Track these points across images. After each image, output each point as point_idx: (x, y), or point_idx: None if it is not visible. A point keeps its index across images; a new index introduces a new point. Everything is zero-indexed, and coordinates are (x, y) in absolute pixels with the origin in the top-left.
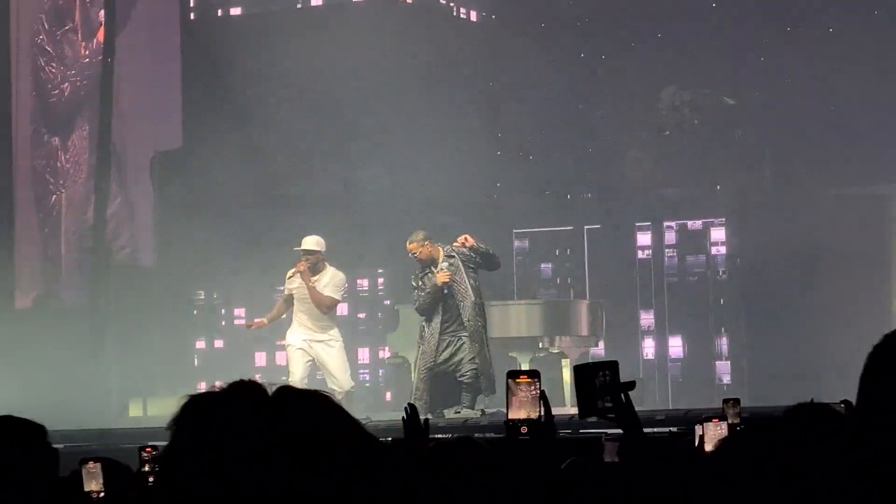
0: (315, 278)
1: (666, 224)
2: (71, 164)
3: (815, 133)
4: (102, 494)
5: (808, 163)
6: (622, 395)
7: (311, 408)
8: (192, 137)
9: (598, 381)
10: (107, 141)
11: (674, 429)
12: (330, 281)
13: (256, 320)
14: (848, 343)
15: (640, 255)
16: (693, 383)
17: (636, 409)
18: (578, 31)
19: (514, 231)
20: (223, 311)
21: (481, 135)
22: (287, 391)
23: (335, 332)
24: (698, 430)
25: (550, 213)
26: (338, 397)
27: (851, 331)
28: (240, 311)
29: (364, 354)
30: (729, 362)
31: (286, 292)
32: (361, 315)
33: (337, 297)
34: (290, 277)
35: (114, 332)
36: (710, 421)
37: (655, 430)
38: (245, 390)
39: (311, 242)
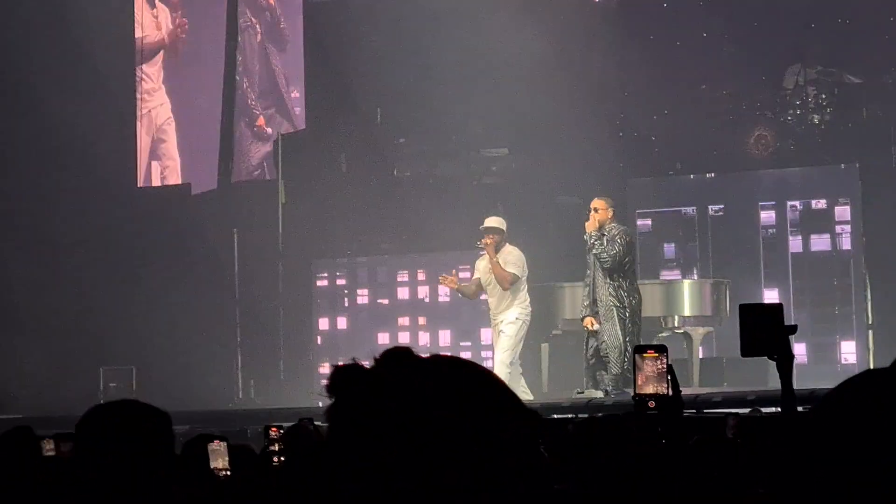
0: (497, 255)
1: (790, 203)
2: (196, 147)
3: None
4: (228, 472)
5: None
6: (785, 338)
7: (459, 374)
8: (314, 119)
9: (768, 323)
10: (229, 125)
11: (800, 409)
12: (509, 257)
13: (451, 278)
14: None
15: (764, 234)
16: (817, 362)
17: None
18: (701, 9)
19: (637, 211)
20: (346, 290)
21: (603, 116)
22: (439, 358)
23: (514, 312)
24: None
25: (673, 193)
26: (499, 369)
27: None
28: (362, 291)
29: (487, 335)
30: (854, 342)
31: (476, 276)
32: (484, 296)
33: (517, 272)
34: (480, 261)
35: (239, 312)
36: None
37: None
38: (396, 356)
39: (494, 220)
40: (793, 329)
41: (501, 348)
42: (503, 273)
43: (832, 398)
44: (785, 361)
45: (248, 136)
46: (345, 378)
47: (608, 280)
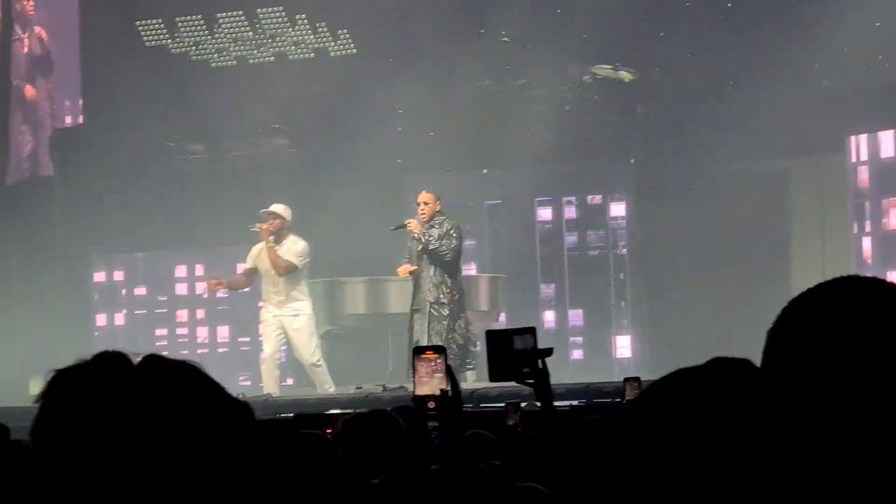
0: (276, 245)
1: (566, 199)
2: None
3: (715, 107)
4: None
5: (708, 137)
6: (540, 361)
7: (176, 377)
8: (92, 114)
9: (518, 346)
10: (4, 118)
11: (574, 402)
12: (291, 247)
13: (214, 280)
14: (747, 315)
15: (541, 228)
16: (593, 356)
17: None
18: (481, 5)
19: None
20: (124, 286)
21: (380, 111)
22: (153, 361)
23: (300, 305)
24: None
25: (451, 188)
26: (309, 370)
27: (751, 303)
28: (140, 287)
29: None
30: (629, 336)
31: (249, 265)
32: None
33: (295, 261)
34: (256, 248)
35: (18, 309)
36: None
37: (556, 403)
38: (109, 361)
39: (276, 206)
40: (548, 352)
41: (304, 345)
42: (277, 260)
43: (644, 400)
44: (543, 386)
45: (24, 132)
46: (51, 386)
47: (435, 277)
